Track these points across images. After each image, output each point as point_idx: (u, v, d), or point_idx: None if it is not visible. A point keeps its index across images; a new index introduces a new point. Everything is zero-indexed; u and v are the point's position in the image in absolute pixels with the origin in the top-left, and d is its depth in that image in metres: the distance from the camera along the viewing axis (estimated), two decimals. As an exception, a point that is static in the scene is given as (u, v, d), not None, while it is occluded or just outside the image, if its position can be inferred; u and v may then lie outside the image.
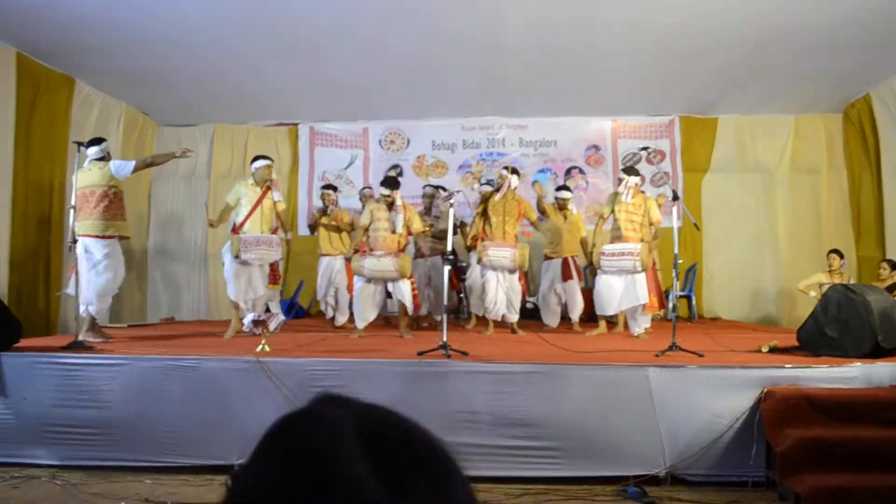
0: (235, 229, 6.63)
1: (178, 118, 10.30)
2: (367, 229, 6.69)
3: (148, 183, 10.47)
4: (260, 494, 0.55)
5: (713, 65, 8.24)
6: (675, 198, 5.71)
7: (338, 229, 8.02)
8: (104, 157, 6.24)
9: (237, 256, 6.41)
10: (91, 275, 6.00)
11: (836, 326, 4.89)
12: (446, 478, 0.57)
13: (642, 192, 7.15)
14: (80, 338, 5.35)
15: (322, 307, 8.29)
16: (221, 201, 7.16)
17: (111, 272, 6.12)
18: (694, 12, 6.82)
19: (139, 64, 8.08)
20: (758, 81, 8.86)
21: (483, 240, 7.11)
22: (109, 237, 6.10)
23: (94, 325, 6.08)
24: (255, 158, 6.88)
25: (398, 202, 6.67)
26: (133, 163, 6.17)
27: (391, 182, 6.84)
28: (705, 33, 7.31)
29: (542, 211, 7.59)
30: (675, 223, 5.56)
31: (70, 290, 5.92)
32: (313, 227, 8.27)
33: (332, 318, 8.09)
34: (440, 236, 7.68)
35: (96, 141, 6.35)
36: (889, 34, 7.23)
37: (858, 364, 4.42)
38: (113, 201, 6.12)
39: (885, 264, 8.16)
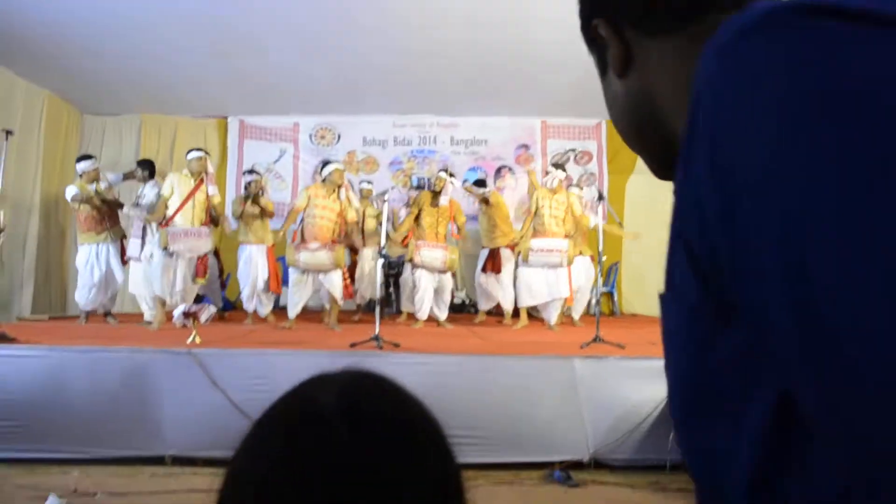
0: (166, 221, 6.51)
1: (103, 107, 10.00)
2: (299, 213, 6.57)
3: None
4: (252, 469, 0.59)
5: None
6: (601, 197, 5.95)
7: (261, 215, 7.48)
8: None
9: (165, 248, 6.32)
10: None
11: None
12: (423, 453, 0.60)
13: (566, 188, 7.37)
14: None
15: (244, 300, 7.62)
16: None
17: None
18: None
19: (61, 49, 7.80)
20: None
21: (415, 239, 7.19)
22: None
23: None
24: (190, 150, 6.84)
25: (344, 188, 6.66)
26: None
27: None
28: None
29: (485, 201, 7.70)
30: (600, 222, 5.80)
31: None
32: (239, 216, 7.61)
33: (255, 311, 7.52)
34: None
35: (86, 157, 7.38)
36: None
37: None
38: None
39: None
